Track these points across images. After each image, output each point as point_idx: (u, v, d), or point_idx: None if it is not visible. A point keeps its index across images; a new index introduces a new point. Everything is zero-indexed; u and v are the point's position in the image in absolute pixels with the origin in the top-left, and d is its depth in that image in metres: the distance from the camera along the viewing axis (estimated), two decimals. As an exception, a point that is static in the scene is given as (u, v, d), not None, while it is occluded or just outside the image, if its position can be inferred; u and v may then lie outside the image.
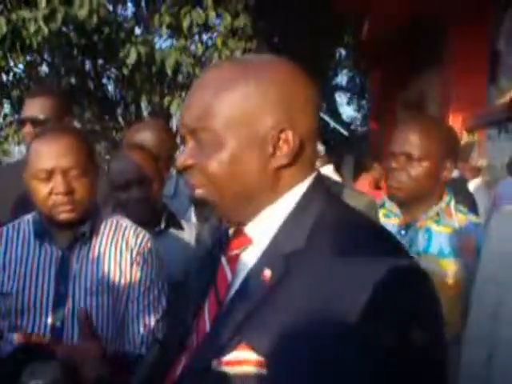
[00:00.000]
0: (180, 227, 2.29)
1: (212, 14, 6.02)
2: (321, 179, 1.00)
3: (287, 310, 0.85)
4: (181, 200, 2.62)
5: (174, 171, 2.77)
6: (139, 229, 1.81)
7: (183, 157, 0.96)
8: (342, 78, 15.21)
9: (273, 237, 0.94)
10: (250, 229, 0.98)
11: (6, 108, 7.45)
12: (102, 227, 1.76)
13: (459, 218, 1.90)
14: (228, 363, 0.88)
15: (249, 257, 0.97)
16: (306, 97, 0.95)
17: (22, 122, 2.51)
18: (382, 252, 0.87)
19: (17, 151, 10.89)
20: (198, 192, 0.96)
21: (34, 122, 2.46)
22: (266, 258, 0.93)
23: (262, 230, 0.96)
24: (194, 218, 2.47)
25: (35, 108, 2.48)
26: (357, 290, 0.81)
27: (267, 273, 0.90)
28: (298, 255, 0.90)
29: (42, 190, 1.64)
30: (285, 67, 0.96)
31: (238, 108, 0.91)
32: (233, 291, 0.96)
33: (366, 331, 0.80)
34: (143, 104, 7.52)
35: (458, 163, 3.46)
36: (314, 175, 0.98)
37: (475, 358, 1.51)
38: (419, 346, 0.83)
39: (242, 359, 0.87)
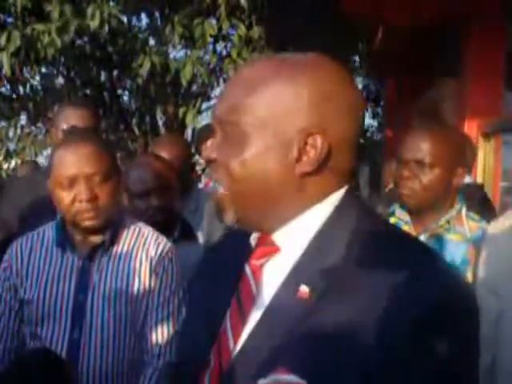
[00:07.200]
0: (194, 238, 2.27)
1: (226, 24, 6.04)
2: (354, 191, 0.95)
3: (332, 330, 0.81)
4: (202, 215, 2.60)
5: (197, 185, 2.76)
6: (161, 237, 1.81)
7: (210, 149, 0.93)
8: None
9: (305, 249, 0.90)
10: (277, 237, 0.93)
11: (23, 120, 7.53)
12: (124, 235, 1.77)
13: (470, 225, 1.86)
14: None
15: (276, 268, 0.92)
16: (345, 100, 0.89)
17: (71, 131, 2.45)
18: (426, 264, 0.85)
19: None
20: (221, 191, 0.93)
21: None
22: (300, 273, 0.88)
23: (292, 240, 0.91)
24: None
25: (81, 118, 2.50)
26: (407, 304, 0.79)
27: (304, 290, 0.86)
28: (336, 271, 0.85)
29: (65, 197, 1.65)
30: (325, 67, 0.91)
31: (267, 107, 0.87)
32: (261, 306, 0.91)
33: (419, 345, 0.79)
34: (158, 114, 7.55)
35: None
36: (347, 186, 0.93)
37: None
38: (470, 349, 0.84)
39: (283, 383, 0.81)
